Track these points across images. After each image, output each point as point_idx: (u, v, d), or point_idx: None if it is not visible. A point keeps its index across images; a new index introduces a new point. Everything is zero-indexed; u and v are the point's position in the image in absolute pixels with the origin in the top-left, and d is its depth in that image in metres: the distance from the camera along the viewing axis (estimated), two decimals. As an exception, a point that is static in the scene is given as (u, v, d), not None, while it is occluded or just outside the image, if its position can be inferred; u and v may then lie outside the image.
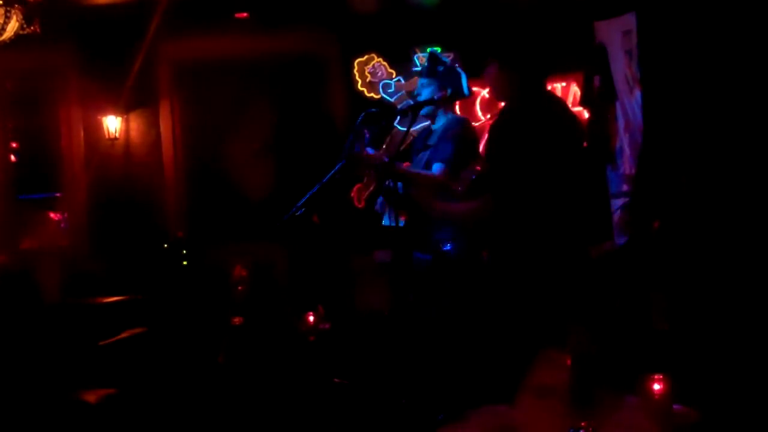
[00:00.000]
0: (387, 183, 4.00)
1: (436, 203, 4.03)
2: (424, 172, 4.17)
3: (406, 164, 4.32)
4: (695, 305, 4.21)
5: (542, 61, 3.81)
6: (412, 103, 4.28)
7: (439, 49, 6.98)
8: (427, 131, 4.39)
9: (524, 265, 3.59)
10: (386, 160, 4.01)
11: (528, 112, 3.61)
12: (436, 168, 4.13)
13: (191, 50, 7.29)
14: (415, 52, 6.79)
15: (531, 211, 3.54)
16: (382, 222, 4.31)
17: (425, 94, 4.26)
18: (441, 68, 4.25)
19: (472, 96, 4.69)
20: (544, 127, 3.55)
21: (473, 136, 4.35)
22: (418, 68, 4.38)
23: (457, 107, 6.66)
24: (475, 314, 3.96)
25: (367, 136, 4.02)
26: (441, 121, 4.28)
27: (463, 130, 4.22)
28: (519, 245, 3.60)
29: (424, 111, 4.23)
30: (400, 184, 4.09)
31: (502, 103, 3.84)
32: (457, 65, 4.41)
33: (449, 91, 4.18)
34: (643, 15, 5.12)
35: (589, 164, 3.81)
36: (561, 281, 3.54)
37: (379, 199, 4.30)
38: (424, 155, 4.29)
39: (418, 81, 4.40)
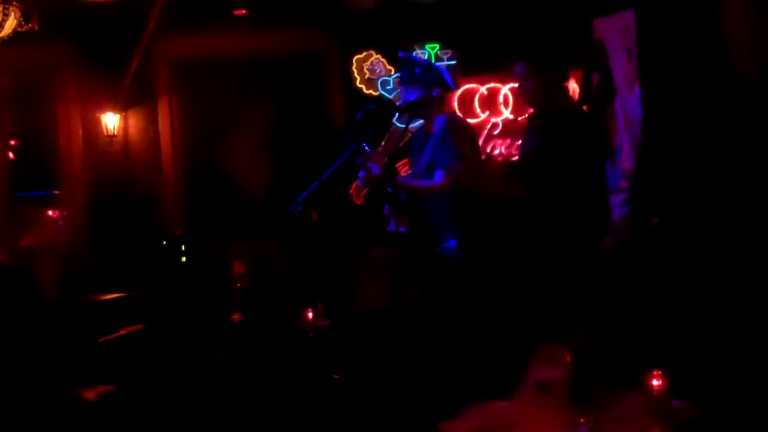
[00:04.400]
0: (389, 189, 3.93)
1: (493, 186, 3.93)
2: (425, 183, 4.07)
3: (405, 163, 4.28)
4: (694, 301, 4.22)
5: (567, 63, 3.86)
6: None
7: (438, 46, 7.01)
8: (422, 130, 4.31)
9: (526, 261, 3.60)
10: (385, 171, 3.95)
11: (557, 116, 3.67)
12: (438, 176, 4.02)
13: (190, 47, 7.28)
14: (414, 49, 6.79)
15: (545, 210, 3.56)
16: (387, 227, 4.25)
17: (413, 98, 4.13)
18: (418, 70, 4.11)
19: (458, 87, 4.55)
20: (573, 130, 3.62)
21: (470, 132, 4.26)
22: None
23: (456, 104, 6.69)
24: (475, 310, 3.96)
25: (368, 150, 3.92)
26: (437, 123, 4.16)
27: (458, 129, 4.12)
28: (522, 242, 3.61)
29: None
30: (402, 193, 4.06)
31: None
32: (433, 62, 4.30)
33: (435, 92, 4.08)
34: (643, 12, 5.12)
35: (591, 161, 3.83)
36: (561, 277, 3.55)
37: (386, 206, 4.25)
38: (424, 158, 4.18)
39: (402, 90, 4.25)
